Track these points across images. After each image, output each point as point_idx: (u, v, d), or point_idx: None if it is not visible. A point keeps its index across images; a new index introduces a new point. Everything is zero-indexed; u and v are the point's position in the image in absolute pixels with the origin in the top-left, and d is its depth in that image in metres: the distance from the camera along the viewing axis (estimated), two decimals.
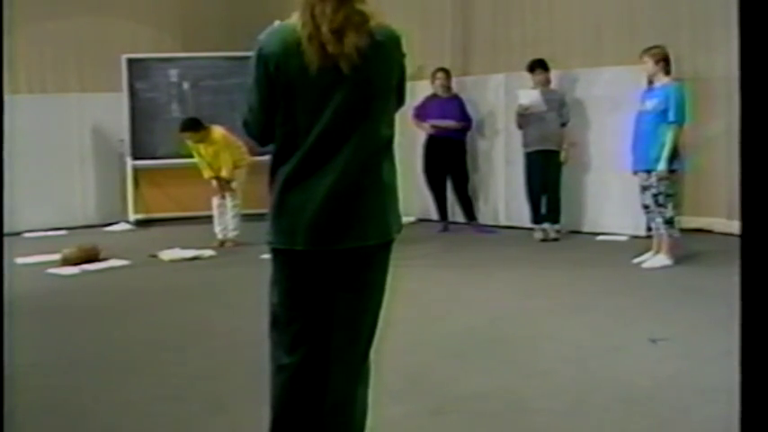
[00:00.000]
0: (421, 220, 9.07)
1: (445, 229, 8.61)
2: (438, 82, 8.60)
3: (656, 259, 6.43)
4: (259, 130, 2.41)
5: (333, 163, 2.28)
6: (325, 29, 2.21)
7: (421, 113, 8.56)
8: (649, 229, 6.68)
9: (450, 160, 8.59)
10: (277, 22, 2.39)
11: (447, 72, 8.71)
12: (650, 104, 6.42)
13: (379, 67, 2.30)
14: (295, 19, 2.29)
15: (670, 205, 6.37)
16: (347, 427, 2.42)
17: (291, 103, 2.30)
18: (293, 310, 2.42)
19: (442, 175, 8.65)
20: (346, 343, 2.41)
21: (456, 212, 8.84)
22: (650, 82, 6.64)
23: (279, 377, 2.45)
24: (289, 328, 2.43)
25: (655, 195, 6.37)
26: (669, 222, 6.39)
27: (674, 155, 6.31)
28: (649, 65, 6.48)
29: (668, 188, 6.35)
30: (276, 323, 2.45)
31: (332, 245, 2.32)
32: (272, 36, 2.33)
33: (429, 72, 9.54)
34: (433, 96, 8.62)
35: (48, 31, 9.80)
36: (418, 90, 8.95)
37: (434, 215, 8.89)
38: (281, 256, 2.41)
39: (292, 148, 2.31)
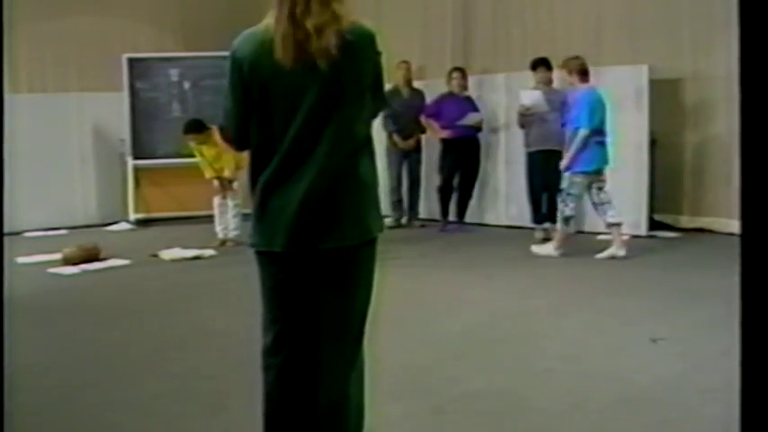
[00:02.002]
0: (422, 220, 9.07)
1: (444, 229, 8.58)
2: (454, 82, 8.59)
3: (544, 247, 7.05)
4: (236, 135, 2.43)
5: (309, 164, 2.28)
6: (309, 25, 2.21)
7: (435, 113, 8.54)
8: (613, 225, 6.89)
9: (466, 158, 8.60)
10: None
11: (463, 71, 8.70)
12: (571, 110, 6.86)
13: (351, 67, 2.28)
14: (268, 20, 2.30)
15: (573, 205, 6.84)
16: (342, 426, 2.42)
17: (266, 107, 2.31)
18: (276, 310, 2.44)
19: (453, 174, 8.67)
20: (334, 343, 2.41)
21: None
22: None
23: (266, 377, 2.47)
24: (272, 327, 2.45)
25: (560, 191, 6.85)
26: (566, 220, 6.90)
27: (580, 157, 6.72)
28: (565, 75, 6.93)
29: (573, 188, 6.80)
30: (263, 323, 2.48)
31: (310, 246, 2.33)
32: (245, 39, 2.34)
33: (430, 71, 9.58)
34: (449, 95, 8.61)
35: (48, 31, 9.80)
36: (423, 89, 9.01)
37: (436, 215, 8.90)
38: (262, 258, 2.44)
39: (270, 153, 2.32)
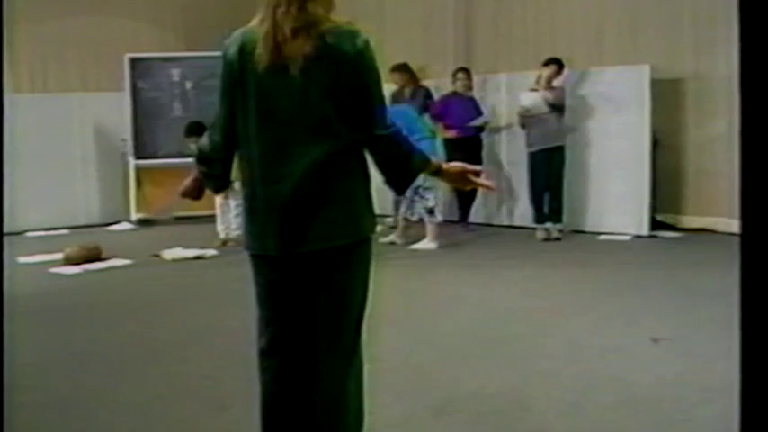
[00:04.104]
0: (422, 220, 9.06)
1: (468, 229, 8.55)
2: (459, 82, 8.58)
3: (422, 243, 7.49)
4: (220, 136, 2.41)
5: (293, 165, 2.26)
6: (287, 28, 2.21)
7: (440, 113, 8.53)
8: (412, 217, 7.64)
9: (470, 158, 8.58)
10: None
11: (468, 71, 8.69)
12: None
13: (325, 69, 2.22)
14: (254, 21, 2.30)
15: (431, 196, 7.36)
16: (340, 426, 2.41)
17: (248, 107, 2.30)
18: (270, 311, 2.44)
19: None
20: (330, 344, 2.39)
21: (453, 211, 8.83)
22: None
23: (263, 379, 2.46)
24: (267, 329, 2.44)
25: (416, 188, 7.23)
26: (430, 211, 7.44)
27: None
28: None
29: (424, 181, 6.97)
30: (258, 325, 2.48)
31: (302, 248, 2.31)
32: (234, 40, 2.35)
33: (432, 71, 9.57)
34: (454, 95, 8.60)
35: (50, 31, 9.82)
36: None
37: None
38: (256, 260, 2.44)
39: (255, 154, 2.32)
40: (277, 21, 2.23)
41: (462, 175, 2.50)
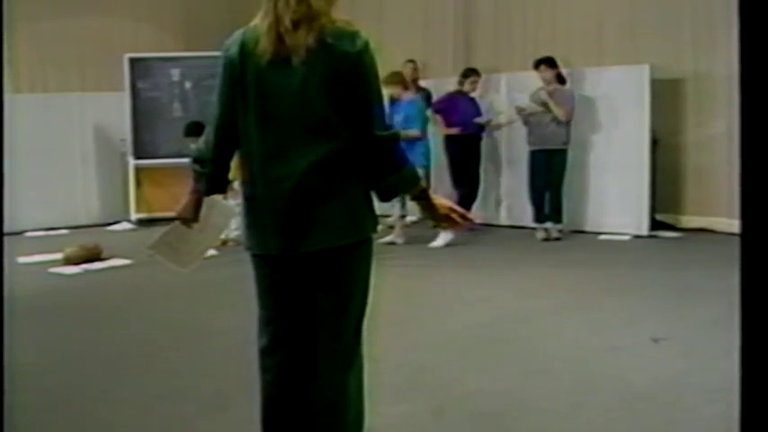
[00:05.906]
0: (422, 220, 9.06)
1: (473, 228, 8.52)
2: (472, 85, 8.55)
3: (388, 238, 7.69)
4: (215, 135, 2.41)
5: (294, 165, 2.26)
6: (287, 19, 2.21)
7: (445, 109, 8.50)
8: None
9: (470, 156, 8.58)
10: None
11: (478, 73, 8.67)
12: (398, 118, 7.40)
13: (324, 67, 2.21)
14: (256, 20, 2.30)
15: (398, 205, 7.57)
16: (340, 427, 2.41)
17: (248, 107, 2.30)
18: (271, 310, 2.44)
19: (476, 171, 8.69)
20: (331, 343, 2.40)
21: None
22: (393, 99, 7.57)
23: (263, 378, 2.46)
24: (267, 328, 2.44)
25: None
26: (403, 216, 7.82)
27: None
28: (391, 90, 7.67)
29: None
30: (259, 324, 2.48)
31: (304, 247, 2.31)
32: (235, 39, 2.35)
33: (432, 71, 9.56)
34: (460, 93, 8.58)
35: (50, 31, 9.83)
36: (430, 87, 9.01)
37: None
38: (257, 260, 2.44)
39: (255, 153, 2.31)
40: (278, 14, 2.23)
41: (444, 212, 2.45)
